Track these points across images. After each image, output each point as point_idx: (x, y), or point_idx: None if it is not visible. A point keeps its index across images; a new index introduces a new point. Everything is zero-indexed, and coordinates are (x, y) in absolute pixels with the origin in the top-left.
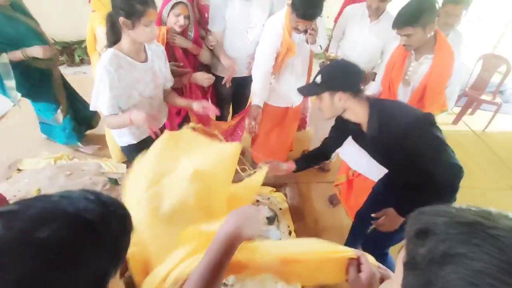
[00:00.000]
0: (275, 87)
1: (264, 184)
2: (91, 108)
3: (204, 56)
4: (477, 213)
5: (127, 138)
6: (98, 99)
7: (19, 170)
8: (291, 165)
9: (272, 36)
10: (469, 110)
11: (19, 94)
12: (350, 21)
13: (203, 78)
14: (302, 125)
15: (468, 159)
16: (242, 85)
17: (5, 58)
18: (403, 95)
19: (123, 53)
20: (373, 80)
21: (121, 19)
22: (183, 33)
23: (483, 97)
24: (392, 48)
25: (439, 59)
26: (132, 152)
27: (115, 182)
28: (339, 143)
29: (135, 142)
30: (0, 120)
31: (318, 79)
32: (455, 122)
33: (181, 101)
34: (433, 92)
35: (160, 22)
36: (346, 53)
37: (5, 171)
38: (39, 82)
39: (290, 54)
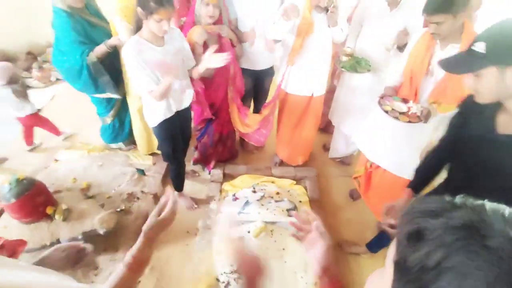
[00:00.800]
0: (294, 72)
1: (284, 177)
2: (135, 92)
3: (239, 48)
4: (472, 211)
5: (159, 116)
6: (137, 82)
7: (56, 160)
8: (408, 193)
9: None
10: None
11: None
12: (368, 13)
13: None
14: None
15: None
16: (261, 78)
17: (93, 57)
18: (425, 85)
19: (143, 38)
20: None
21: (138, 9)
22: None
23: None
24: (417, 35)
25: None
26: (164, 129)
27: (142, 172)
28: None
29: (169, 115)
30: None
31: (480, 47)
32: None
33: (198, 68)
34: (457, 84)
35: (193, 18)
36: (366, 47)
37: (43, 161)
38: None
39: (310, 32)
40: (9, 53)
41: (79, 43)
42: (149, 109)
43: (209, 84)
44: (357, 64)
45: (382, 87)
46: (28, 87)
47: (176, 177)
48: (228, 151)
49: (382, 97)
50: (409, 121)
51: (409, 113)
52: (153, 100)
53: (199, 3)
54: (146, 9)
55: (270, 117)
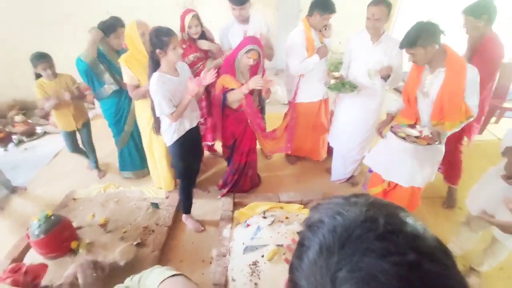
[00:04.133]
0: (304, 85)
1: (291, 202)
2: (158, 115)
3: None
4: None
5: (175, 135)
6: (161, 107)
7: (74, 199)
8: None
9: (297, 43)
10: (494, 119)
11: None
12: (356, 46)
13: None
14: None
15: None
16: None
17: (83, 56)
18: (426, 107)
19: (163, 72)
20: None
21: (157, 51)
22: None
23: (506, 104)
24: (396, 62)
25: (450, 71)
26: (179, 146)
27: (156, 206)
28: None
29: (183, 133)
30: (54, 158)
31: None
32: (480, 131)
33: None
34: (450, 102)
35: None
36: (356, 73)
37: (62, 201)
38: (122, 107)
39: (314, 49)
40: (27, 101)
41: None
42: (168, 130)
43: (231, 113)
44: (342, 85)
45: (369, 109)
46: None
47: (185, 197)
48: (250, 181)
49: (392, 127)
50: (428, 144)
51: (423, 136)
52: (170, 121)
53: (242, 52)
54: (163, 46)
55: (291, 123)
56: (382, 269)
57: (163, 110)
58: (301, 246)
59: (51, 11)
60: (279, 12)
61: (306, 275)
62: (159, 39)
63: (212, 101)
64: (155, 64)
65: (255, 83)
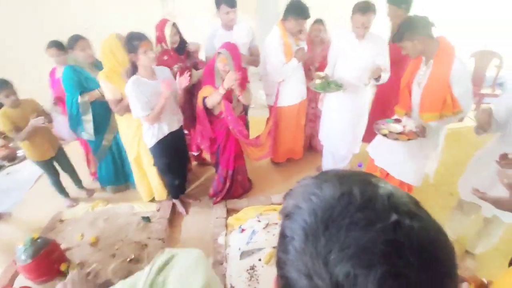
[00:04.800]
0: (285, 88)
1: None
2: (134, 116)
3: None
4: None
5: (155, 137)
6: (135, 108)
7: (61, 221)
8: None
9: (275, 49)
10: (473, 106)
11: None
12: (341, 45)
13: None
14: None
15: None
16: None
17: (86, 98)
18: (418, 96)
19: (140, 76)
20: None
21: (130, 55)
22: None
23: (483, 91)
24: (383, 59)
25: (437, 62)
26: (159, 149)
27: (147, 220)
28: None
29: (161, 137)
30: (38, 180)
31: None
32: (461, 119)
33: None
34: (431, 93)
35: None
36: (343, 71)
37: (48, 223)
38: (102, 119)
39: (292, 53)
40: None
41: (75, 90)
42: (147, 133)
43: (213, 119)
44: (327, 85)
45: (357, 107)
46: None
47: (171, 186)
48: (240, 186)
49: (376, 123)
50: (409, 139)
51: (406, 131)
52: (148, 124)
53: (217, 58)
54: (133, 50)
55: (273, 127)
56: (369, 239)
57: (137, 112)
58: (283, 238)
59: (28, 31)
60: (259, 17)
61: (296, 266)
62: (130, 43)
63: (197, 118)
64: (133, 69)
65: (228, 81)
